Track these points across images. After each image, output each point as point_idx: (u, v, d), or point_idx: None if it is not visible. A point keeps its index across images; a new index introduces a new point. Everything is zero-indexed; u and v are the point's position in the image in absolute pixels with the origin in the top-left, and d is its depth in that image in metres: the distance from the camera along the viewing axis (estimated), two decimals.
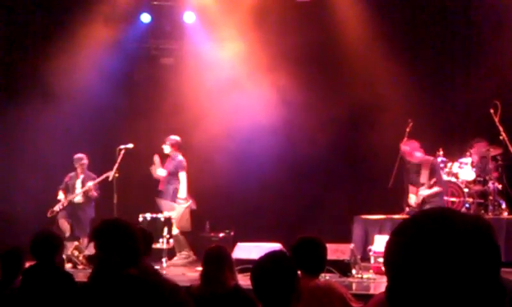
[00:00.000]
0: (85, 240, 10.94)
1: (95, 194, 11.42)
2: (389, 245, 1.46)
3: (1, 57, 12.51)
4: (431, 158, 10.42)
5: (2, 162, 12.09)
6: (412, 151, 10.25)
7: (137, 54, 13.24)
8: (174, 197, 11.07)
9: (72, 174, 11.56)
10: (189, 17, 13.02)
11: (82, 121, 12.35)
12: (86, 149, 12.24)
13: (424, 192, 10.11)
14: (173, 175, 11.13)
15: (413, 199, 10.27)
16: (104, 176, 11.20)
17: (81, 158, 11.51)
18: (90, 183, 11.33)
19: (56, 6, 12.58)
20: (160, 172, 11.14)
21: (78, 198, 11.39)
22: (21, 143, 11.83)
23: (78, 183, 11.49)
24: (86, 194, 11.38)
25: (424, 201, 10.12)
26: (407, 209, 10.40)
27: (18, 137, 12.04)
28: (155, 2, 12.99)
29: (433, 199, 10.14)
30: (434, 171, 10.23)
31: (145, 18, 13.07)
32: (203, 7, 12.75)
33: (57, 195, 11.49)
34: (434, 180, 10.09)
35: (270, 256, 3.46)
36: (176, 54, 13.40)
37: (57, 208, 11.39)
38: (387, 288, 1.45)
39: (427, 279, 1.37)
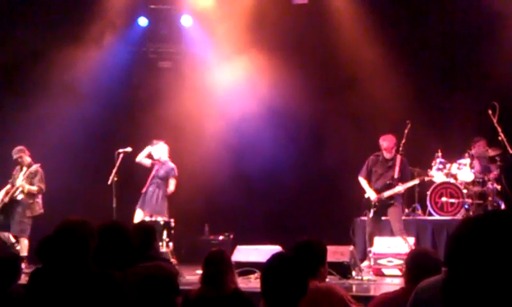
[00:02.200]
0: (24, 241, 10.74)
1: (33, 188, 10.96)
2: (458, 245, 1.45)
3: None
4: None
5: (4, 163, 12.09)
6: (393, 146, 10.36)
7: (134, 57, 13.23)
8: (162, 203, 11.03)
9: (18, 167, 11.22)
10: (186, 20, 13.02)
11: (80, 125, 12.32)
12: (84, 153, 12.25)
13: (401, 187, 10.21)
14: (162, 179, 11.09)
15: (373, 196, 10.29)
16: (35, 166, 10.94)
17: (20, 150, 11.12)
18: (21, 182, 10.93)
19: (53, 9, 12.55)
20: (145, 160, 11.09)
21: (19, 196, 11.03)
22: (15, 142, 11.79)
23: (20, 177, 11.10)
24: (22, 191, 11.00)
25: (389, 198, 10.19)
26: (372, 210, 10.35)
27: (14, 140, 12.01)
28: (152, 6, 12.98)
29: (397, 198, 10.24)
30: (405, 167, 10.32)
31: (142, 21, 13.07)
32: (200, 11, 12.75)
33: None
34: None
35: (280, 259, 3.45)
36: (173, 58, 13.40)
37: None
38: (446, 286, 1.43)
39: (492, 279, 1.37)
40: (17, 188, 11.08)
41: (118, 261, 3.99)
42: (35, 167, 11.09)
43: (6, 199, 11.11)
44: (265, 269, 3.41)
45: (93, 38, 12.52)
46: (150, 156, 11.16)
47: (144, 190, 11.03)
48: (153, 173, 11.11)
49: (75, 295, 3.60)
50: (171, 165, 11.15)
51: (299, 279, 3.35)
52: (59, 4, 12.52)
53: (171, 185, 11.07)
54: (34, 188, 11.07)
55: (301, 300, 3.34)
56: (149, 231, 6.03)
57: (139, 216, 10.90)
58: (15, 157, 11.19)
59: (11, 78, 12.63)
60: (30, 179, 11.05)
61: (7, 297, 5.03)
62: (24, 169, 11.17)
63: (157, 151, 11.14)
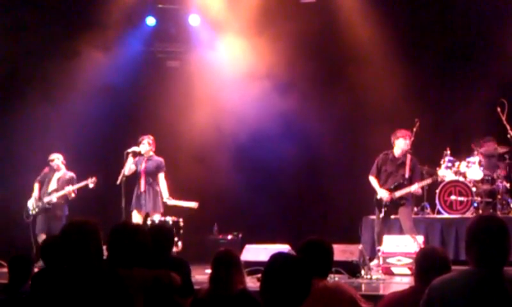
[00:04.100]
0: None
1: (72, 195, 11.38)
2: None
3: (10, 60, 12.54)
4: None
5: (13, 163, 12.14)
6: (409, 136, 10.33)
7: (142, 57, 13.24)
8: (158, 199, 10.96)
9: (50, 168, 11.57)
10: (194, 20, 13.02)
11: (88, 125, 12.36)
12: (93, 152, 12.26)
13: (416, 186, 10.14)
14: (151, 175, 10.98)
15: (385, 196, 10.22)
16: (83, 183, 11.29)
17: (57, 158, 11.52)
18: (70, 188, 11.30)
19: (63, 9, 12.59)
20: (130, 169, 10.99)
21: (55, 199, 11.35)
22: (28, 145, 11.85)
23: (54, 180, 11.46)
24: (64, 195, 11.35)
25: (401, 198, 10.15)
26: (384, 210, 10.26)
27: (24, 139, 12.07)
28: (160, 6, 13.00)
29: (408, 197, 10.19)
30: (415, 166, 10.27)
31: (150, 21, 13.08)
32: (208, 10, 12.74)
33: (33, 188, 11.52)
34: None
35: (282, 259, 3.28)
36: (181, 57, 13.41)
37: (31, 208, 11.40)
38: None
39: None
40: (51, 193, 11.36)
41: (129, 261, 4.03)
42: (70, 174, 11.48)
43: (40, 203, 11.43)
44: (265, 271, 3.24)
45: (100, 38, 12.53)
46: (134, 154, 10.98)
47: (143, 189, 10.92)
48: (142, 170, 10.89)
49: (79, 293, 3.64)
50: (159, 158, 11.03)
51: (301, 281, 3.19)
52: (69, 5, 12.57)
53: (162, 179, 10.89)
54: (73, 194, 11.41)
55: (303, 303, 3.19)
56: (168, 235, 6.01)
57: (136, 218, 10.81)
58: (54, 163, 11.50)
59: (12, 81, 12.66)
60: (71, 183, 11.38)
61: (18, 297, 5.06)
62: (57, 173, 11.50)
63: (144, 147, 10.99)
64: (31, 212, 11.46)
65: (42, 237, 11.19)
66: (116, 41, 12.77)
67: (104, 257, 4.14)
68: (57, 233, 10.58)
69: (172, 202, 10.80)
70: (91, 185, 11.29)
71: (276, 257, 3.30)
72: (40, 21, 12.37)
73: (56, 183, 11.46)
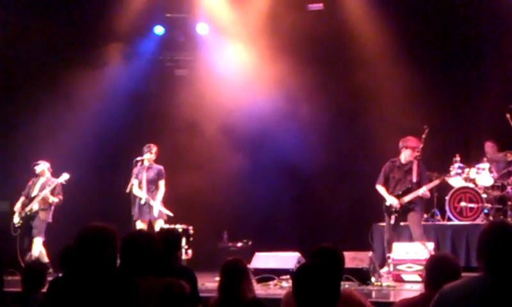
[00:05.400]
0: (39, 240, 10.98)
1: (55, 199, 11.17)
2: None
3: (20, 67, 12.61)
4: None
5: (19, 172, 12.18)
6: (416, 145, 10.29)
7: (151, 66, 13.29)
8: (160, 206, 10.89)
9: (35, 178, 11.42)
10: (202, 28, 13.06)
11: (97, 133, 12.39)
12: (101, 161, 12.30)
13: (423, 189, 10.11)
14: (154, 183, 10.93)
15: (395, 202, 10.18)
16: (57, 181, 11.12)
17: (43, 163, 11.36)
18: (46, 191, 11.10)
19: (73, 20, 12.65)
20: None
21: (35, 206, 11.18)
22: (35, 154, 11.88)
23: (37, 187, 11.29)
24: (44, 200, 11.15)
25: (409, 202, 10.11)
26: (394, 216, 10.24)
27: (33, 146, 12.10)
28: (168, 15, 13.04)
29: (417, 202, 10.15)
30: (422, 171, 10.24)
31: (159, 30, 13.13)
32: (216, 19, 12.78)
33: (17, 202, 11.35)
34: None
35: (314, 269, 3.35)
36: (190, 65, 13.45)
37: (17, 220, 11.23)
38: None
39: None
40: (33, 199, 11.19)
41: (141, 270, 4.02)
42: (55, 180, 11.24)
43: (23, 214, 11.24)
44: (296, 284, 3.32)
45: (108, 48, 12.59)
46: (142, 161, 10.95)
47: (144, 201, 10.81)
48: (144, 179, 10.85)
49: (92, 303, 3.59)
50: (158, 166, 10.99)
51: (333, 286, 3.30)
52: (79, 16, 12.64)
53: (162, 186, 10.86)
54: (55, 199, 11.22)
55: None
56: (175, 239, 5.99)
57: (140, 228, 10.74)
58: (38, 170, 11.35)
59: (29, 88, 12.72)
60: (52, 190, 11.19)
61: (30, 305, 5.08)
62: (41, 179, 11.34)
63: (150, 155, 10.90)
64: (16, 225, 11.21)
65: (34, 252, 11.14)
66: (125, 51, 12.82)
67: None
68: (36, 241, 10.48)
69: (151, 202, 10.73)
70: (64, 182, 11.15)
71: (305, 268, 3.37)
72: (50, 30, 12.44)
73: (38, 189, 11.24)
